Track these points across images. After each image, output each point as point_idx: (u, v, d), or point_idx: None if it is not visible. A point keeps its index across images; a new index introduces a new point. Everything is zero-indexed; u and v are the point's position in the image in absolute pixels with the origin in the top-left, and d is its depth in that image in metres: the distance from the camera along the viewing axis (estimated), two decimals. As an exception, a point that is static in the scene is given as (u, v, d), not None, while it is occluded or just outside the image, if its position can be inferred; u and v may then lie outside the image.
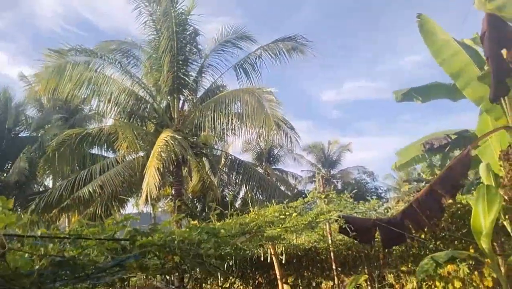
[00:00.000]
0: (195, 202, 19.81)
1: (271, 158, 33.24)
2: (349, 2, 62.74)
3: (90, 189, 13.32)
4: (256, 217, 4.57)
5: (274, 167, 32.95)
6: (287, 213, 5.05)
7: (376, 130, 75.95)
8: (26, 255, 1.50)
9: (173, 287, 13.95)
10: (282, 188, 22.27)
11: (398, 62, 71.82)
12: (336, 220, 5.10)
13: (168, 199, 19.83)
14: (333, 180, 35.78)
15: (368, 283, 9.45)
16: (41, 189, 19.56)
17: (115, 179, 13.46)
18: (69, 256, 1.68)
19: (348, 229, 4.98)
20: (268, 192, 16.63)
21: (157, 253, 2.05)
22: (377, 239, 7.04)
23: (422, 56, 66.55)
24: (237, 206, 21.00)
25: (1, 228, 1.27)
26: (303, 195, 6.49)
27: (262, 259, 8.77)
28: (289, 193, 22.10)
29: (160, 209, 20.58)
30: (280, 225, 4.24)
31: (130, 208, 18.09)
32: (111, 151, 16.74)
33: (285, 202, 5.59)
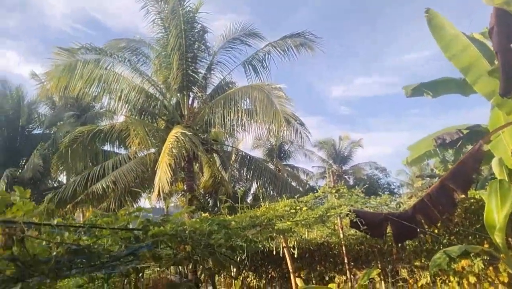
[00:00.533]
0: (206, 197, 19.93)
1: (282, 154, 33.23)
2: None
3: (103, 185, 13.51)
4: (267, 211, 4.59)
5: (285, 163, 32.95)
6: (297, 207, 5.07)
7: (385, 126, 75.46)
8: (44, 242, 1.55)
9: (186, 280, 14.10)
10: (293, 184, 22.24)
11: (404, 58, 71.14)
12: (347, 214, 5.09)
13: (180, 194, 20.00)
14: (345, 176, 35.65)
15: (382, 278, 9.42)
16: (55, 185, 19.90)
17: (127, 175, 13.64)
18: (85, 244, 1.73)
19: (359, 223, 4.97)
20: (279, 187, 16.67)
21: (169, 243, 2.09)
22: (389, 234, 7.02)
23: (430, 52, 65.84)
24: (248, 201, 21.06)
25: (20, 216, 1.31)
26: (314, 191, 6.49)
27: (274, 253, 8.81)
28: (300, 188, 22.09)
29: (172, 204, 20.78)
30: (291, 219, 4.25)
31: (143, 202, 18.33)
32: (122, 148, 16.93)
33: (296, 197, 5.61)
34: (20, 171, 18.12)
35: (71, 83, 13.00)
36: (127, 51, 15.71)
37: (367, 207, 6.39)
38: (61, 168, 16.82)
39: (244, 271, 13.05)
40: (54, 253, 1.57)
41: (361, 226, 4.99)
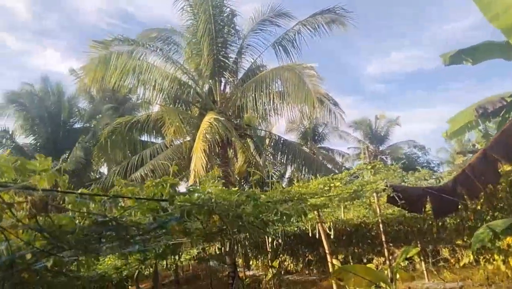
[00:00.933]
0: (242, 183, 20.08)
1: (316, 137, 32.83)
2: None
3: (142, 173, 13.89)
4: (299, 188, 4.52)
5: (319, 145, 32.57)
6: (331, 184, 4.96)
7: (424, 102, 72.50)
8: (70, 213, 1.58)
9: (226, 265, 14.36)
10: (329, 166, 21.94)
11: (442, 29, 67.56)
12: (384, 190, 4.92)
13: (216, 180, 20.21)
14: (382, 156, 34.76)
15: (422, 258, 9.15)
16: (97, 176, 20.75)
17: (165, 163, 13.93)
18: (111, 216, 1.74)
19: (397, 198, 4.79)
20: (314, 170, 16.49)
21: (197, 215, 2.08)
22: (428, 211, 6.75)
23: (470, 21, 62.16)
24: (283, 186, 21.03)
25: (42, 184, 1.32)
26: (350, 170, 6.32)
27: (310, 235, 8.74)
28: (336, 170, 21.76)
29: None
30: (324, 195, 4.16)
31: (182, 189, 18.69)
32: (159, 137, 17.33)
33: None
34: (63, 164, 18.98)
35: (106, 74, 13.34)
36: (158, 41, 15.91)
37: (405, 182, 6.17)
38: (102, 160, 17.49)
39: (280, 255, 13.10)
40: (80, 224, 1.59)
41: (398, 201, 4.80)
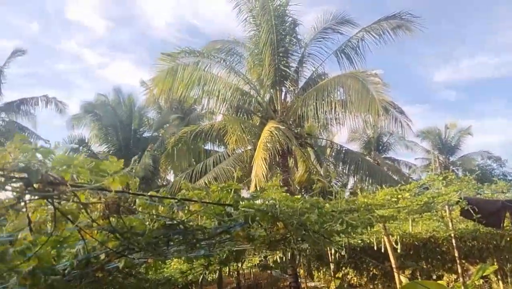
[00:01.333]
0: (302, 193, 19.86)
1: (380, 147, 31.65)
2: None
3: (205, 181, 14.28)
4: (365, 199, 4.35)
5: (384, 156, 31.33)
6: (399, 196, 4.71)
7: (499, 111, 66.80)
8: (140, 216, 1.64)
9: (287, 275, 14.24)
10: (395, 177, 21.04)
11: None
12: (457, 202, 4.56)
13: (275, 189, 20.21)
14: (453, 168, 32.59)
15: (499, 277, 8.37)
16: (164, 183, 21.74)
17: (227, 171, 14.23)
18: (179, 219, 1.78)
19: (472, 211, 4.42)
20: (378, 181, 15.92)
21: (260, 222, 2.06)
22: (507, 226, 6.17)
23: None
24: (345, 197, 20.45)
25: (115, 186, 1.38)
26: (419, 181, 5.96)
27: (375, 248, 8.38)
28: (402, 182, 20.79)
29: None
30: (392, 207, 3.95)
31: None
32: (222, 146, 17.78)
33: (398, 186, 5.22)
34: (133, 171, 20.15)
35: (173, 86, 13.98)
36: (222, 52, 16.39)
37: (480, 194, 5.69)
38: (168, 167, 18.32)
39: (343, 267, 12.71)
40: (150, 226, 1.65)
41: (474, 215, 4.42)
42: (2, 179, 1.05)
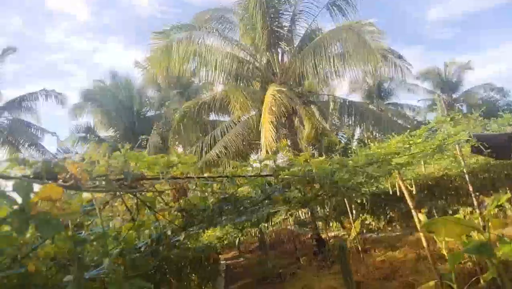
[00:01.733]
0: (311, 150, 20.17)
1: (382, 94, 31.63)
2: None
3: (216, 151, 14.58)
4: (379, 149, 4.57)
5: (387, 102, 31.38)
6: (411, 142, 4.92)
7: (498, 41, 65.72)
8: (199, 194, 1.88)
9: (306, 229, 14.82)
10: (400, 122, 21.21)
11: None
12: (467, 140, 4.79)
13: (285, 150, 20.53)
14: (456, 105, 32.61)
15: (512, 204, 8.76)
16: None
17: (236, 139, 14.50)
18: (230, 193, 2.03)
19: (482, 147, 4.65)
20: (384, 128, 16.21)
21: (297, 186, 2.30)
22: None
23: None
24: (354, 147, 20.72)
25: (179, 173, 1.61)
26: (424, 125, 6.15)
27: (391, 193, 8.72)
28: (408, 126, 20.99)
29: (280, 160, 21.54)
30: (407, 153, 4.19)
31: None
32: (226, 115, 17.98)
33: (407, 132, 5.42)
34: (145, 150, 20.52)
35: (170, 63, 14.00)
36: (213, 22, 16.21)
37: (487, 130, 5.91)
38: (177, 143, 18.61)
39: (360, 215, 13.19)
40: (209, 201, 1.90)
41: (484, 150, 4.65)
42: (104, 183, 1.28)
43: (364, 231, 12.91)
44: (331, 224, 14.99)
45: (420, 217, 6.68)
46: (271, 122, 11.96)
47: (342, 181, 2.44)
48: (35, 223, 1.00)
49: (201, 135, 17.08)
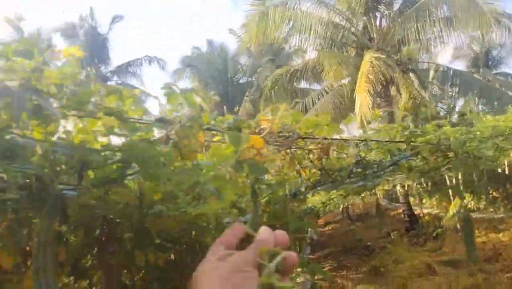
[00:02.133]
0: (407, 121, 19.19)
1: (490, 62, 28.48)
2: None
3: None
4: (498, 122, 4.25)
5: (495, 71, 28.24)
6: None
7: None
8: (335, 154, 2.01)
9: (397, 204, 14.44)
10: (511, 94, 19.12)
11: None
12: None
13: (379, 121, 19.86)
14: None
15: None
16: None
17: (327, 107, 14.37)
18: (362, 156, 2.12)
19: None
20: (492, 100, 14.91)
21: (424, 155, 2.31)
22: None
23: None
24: (453, 120, 19.21)
25: (323, 134, 1.74)
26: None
27: (499, 170, 8.07)
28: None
29: (373, 131, 20.91)
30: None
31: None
32: (315, 83, 17.85)
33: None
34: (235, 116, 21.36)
35: (266, 29, 14.12)
36: (309, -14, 15.84)
37: None
38: (267, 109, 19.03)
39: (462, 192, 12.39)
40: (343, 162, 2.02)
41: None
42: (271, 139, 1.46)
43: (462, 210, 12.14)
44: (424, 201, 14.36)
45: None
46: (368, 90, 11.62)
47: (472, 151, 2.37)
48: (248, 165, 1.21)
49: (291, 102, 17.21)
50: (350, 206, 14.36)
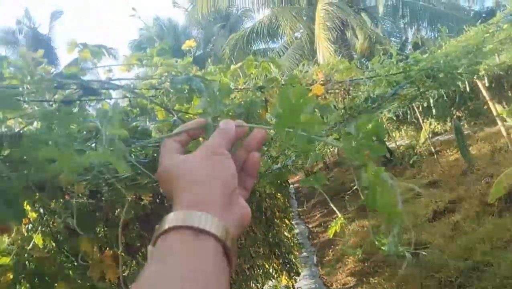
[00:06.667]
0: (365, 61, 19.75)
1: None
2: None
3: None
4: (459, 44, 4.65)
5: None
6: (490, 30, 4.91)
7: None
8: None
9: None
10: (456, 15, 19.88)
11: None
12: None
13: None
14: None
15: None
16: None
17: (290, 62, 14.57)
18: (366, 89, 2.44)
19: None
20: (440, 25, 15.52)
21: (415, 82, 2.64)
22: None
23: None
24: (407, 52, 19.91)
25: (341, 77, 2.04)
26: (483, 14, 5.96)
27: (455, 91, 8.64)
28: (463, 18, 19.66)
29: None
30: (493, 42, 4.28)
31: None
32: (271, 42, 17.89)
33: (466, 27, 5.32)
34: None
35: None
36: None
37: None
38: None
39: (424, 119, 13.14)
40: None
41: None
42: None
43: (430, 135, 12.94)
44: (392, 134, 15.05)
45: (496, 108, 6.78)
46: (328, 38, 11.87)
47: (458, 68, 2.73)
48: (318, 108, 1.48)
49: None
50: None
